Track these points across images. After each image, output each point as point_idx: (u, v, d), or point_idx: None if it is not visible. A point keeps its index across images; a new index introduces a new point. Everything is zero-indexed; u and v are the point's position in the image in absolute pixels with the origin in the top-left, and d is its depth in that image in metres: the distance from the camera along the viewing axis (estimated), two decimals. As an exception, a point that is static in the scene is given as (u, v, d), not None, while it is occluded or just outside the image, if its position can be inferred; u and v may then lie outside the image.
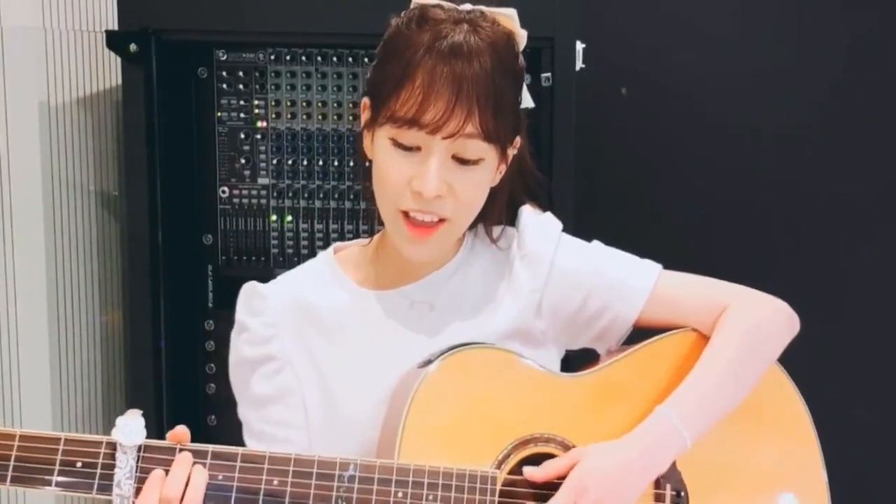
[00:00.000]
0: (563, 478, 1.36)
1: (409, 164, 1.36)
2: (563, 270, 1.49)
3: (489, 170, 1.41)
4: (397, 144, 1.36)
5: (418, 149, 1.36)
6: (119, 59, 2.06)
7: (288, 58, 2.14)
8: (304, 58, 2.14)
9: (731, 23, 2.46)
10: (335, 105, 2.14)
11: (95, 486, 1.25)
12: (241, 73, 2.15)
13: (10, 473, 1.24)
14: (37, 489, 1.25)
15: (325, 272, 1.52)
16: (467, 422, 1.39)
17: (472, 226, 1.50)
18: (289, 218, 2.16)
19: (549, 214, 1.55)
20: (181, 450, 1.28)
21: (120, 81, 2.09)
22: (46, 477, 1.24)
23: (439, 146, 1.34)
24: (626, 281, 1.50)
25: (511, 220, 1.54)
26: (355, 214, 2.16)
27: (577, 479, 1.35)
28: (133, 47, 2.01)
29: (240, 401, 1.49)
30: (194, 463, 1.28)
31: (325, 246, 1.58)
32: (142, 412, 1.29)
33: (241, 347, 1.47)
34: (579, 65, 2.00)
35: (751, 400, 1.47)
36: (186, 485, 1.26)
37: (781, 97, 2.44)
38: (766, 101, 2.45)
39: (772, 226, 2.47)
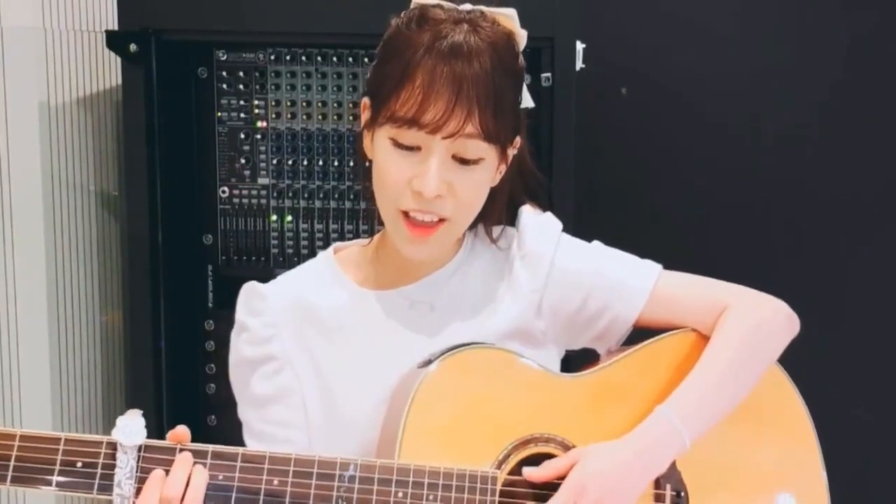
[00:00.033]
0: (562, 478, 1.36)
1: (409, 164, 1.36)
2: (563, 270, 1.49)
3: (489, 170, 1.41)
4: (397, 144, 1.36)
5: (418, 149, 1.36)
6: (119, 59, 2.06)
7: (288, 58, 2.14)
8: (304, 58, 2.14)
9: (731, 23, 2.46)
10: (335, 105, 2.14)
11: (96, 486, 1.25)
12: (241, 73, 2.15)
13: (10, 473, 1.24)
14: (37, 489, 1.25)
15: (325, 272, 1.52)
16: (467, 422, 1.39)
17: (472, 226, 1.50)
18: (289, 218, 2.16)
19: (549, 214, 1.55)
20: (181, 450, 1.28)
21: (120, 81, 2.09)
22: (47, 477, 1.24)
23: (439, 146, 1.34)
24: (626, 281, 1.50)
25: (511, 220, 1.54)
26: (355, 214, 2.16)
27: (577, 479, 1.35)
28: (133, 47, 2.01)
29: (240, 401, 1.49)
30: (195, 463, 1.28)
31: (325, 246, 1.58)
32: (142, 412, 1.29)
33: (241, 347, 1.47)
34: (579, 65, 2.00)
35: (751, 400, 1.47)
36: (187, 485, 1.26)
37: (781, 97, 2.44)
38: (766, 101, 2.45)
39: (772, 226, 2.47)
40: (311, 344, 1.47)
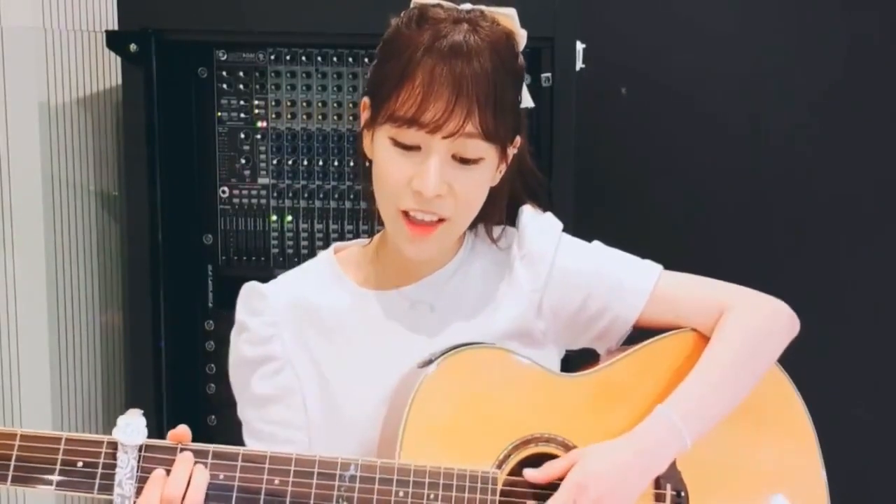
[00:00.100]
0: (563, 479, 1.36)
1: (409, 164, 1.36)
2: (564, 270, 1.49)
3: (489, 169, 1.41)
4: (397, 144, 1.36)
5: (418, 148, 1.36)
6: (119, 59, 2.06)
7: (288, 58, 2.14)
8: (304, 58, 2.14)
9: (731, 23, 2.46)
10: (335, 105, 2.14)
11: (96, 486, 1.25)
12: (241, 73, 2.15)
13: (10, 473, 1.24)
14: (38, 489, 1.25)
15: (325, 272, 1.52)
16: (468, 422, 1.39)
17: (473, 225, 1.50)
18: (289, 218, 2.16)
19: (549, 214, 1.55)
20: (182, 449, 1.28)
21: (120, 81, 2.09)
22: (47, 477, 1.25)
23: (439, 145, 1.34)
24: (626, 281, 1.50)
25: (511, 220, 1.54)
26: (355, 214, 2.16)
27: (577, 479, 1.35)
28: (133, 47, 2.01)
29: (240, 401, 1.49)
30: (196, 463, 1.28)
31: (325, 246, 1.58)
32: (142, 412, 1.29)
33: (241, 347, 1.47)
34: (579, 65, 2.00)
35: (751, 400, 1.47)
36: (188, 485, 1.26)
37: (781, 97, 2.45)
38: (766, 101, 2.45)
39: (772, 226, 2.47)
40: (311, 344, 1.46)
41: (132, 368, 2.13)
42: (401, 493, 1.31)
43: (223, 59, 2.15)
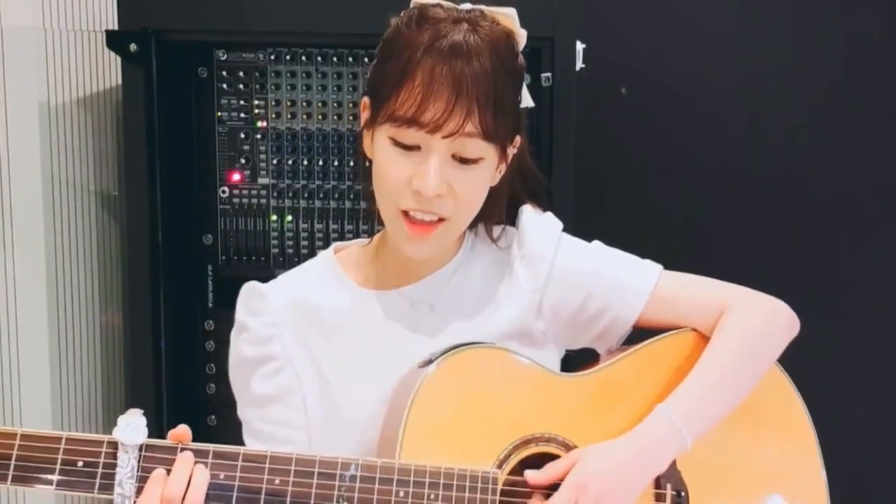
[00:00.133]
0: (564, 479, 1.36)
1: (409, 164, 1.36)
2: (564, 270, 1.49)
3: (489, 169, 1.41)
4: (397, 144, 1.36)
5: (418, 148, 1.36)
6: (119, 59, 2.06)
7: (288, 58, 2.14)
8: (304, 58, 2.14)
9: (731, 23, 2.46)
10: (335, 105, 2.14)
11: (97, 486, 1.25)
12: (241, 73, 2.15)
13: (11, 473, 1.24)
14: (38, 488, 1.25)
15: (325, 272, 1.52)
16: (468, 421, 1.39)
17: (473, 225, 1.50)
18: (289, 218, 2.16)
19: (549, 214, 1.55)
20: (183, 449, 1.28)
21: (120, 81, 2.09)
22: (48, 476, 1.24)
23: (439, 145, 1.34)
24: (626, 281, 1.50)
25: (511, 219, 1.54)
26: (355, 214, 2.16)
27: (578, 479, 1.35)
28: (133, 47, 2.01)
29: (240, 401, 1.49)
30: (196, 462, 1.28)
31: (325, 246, 1.58)
32: (142, 411, 1.29)
33: (241, 347, 1.47)
34: (579, 65, 2.00)
35: (751, 400, 1.47)
36: (188, 484, 1.26)
37: (781, 97, 2.45)
38: (766, 101, 2.45)
39: (772, 226, 2.48)
40: (311, 344, 1.46)
41: (132, 368, 2.13)
42: (401, 493, 1.31)
43: (223, 59, 2.15)
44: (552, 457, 1.39)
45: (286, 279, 1.52)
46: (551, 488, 1.36)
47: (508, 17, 1.41)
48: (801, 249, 2.47)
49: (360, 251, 1.54)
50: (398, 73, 1.34)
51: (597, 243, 1.54)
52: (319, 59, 2.14)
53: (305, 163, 2.15)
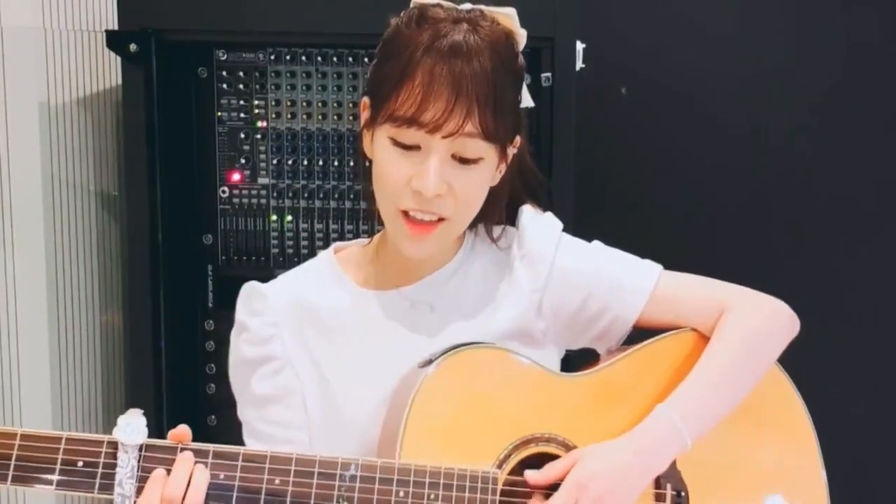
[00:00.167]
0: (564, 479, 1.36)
1: (408, 164, 1.36)
2: (564, 270, 1.49)
3: (489, 169, 1.41)
4: (397, 143, 1.36)
5: (418, 148, 1.36)
6: (119, 59, 2.06)
7: (288, 58, 2.14)
8: (304, 58, 2.14)
9: (731, 23, 2.46)
10: (335, 105, 2.14)
11: (97, 486, 1.25)
12: (241, 73, 2.15)
13: (11, 473, 1.24)
14: (38, 488, 1.25)
15: (325, 272, 1.52)
16: (468, 421, 1.39)
17: (473, 225, 1.50)
18: (289, 218, 2.16)
19: (549, 214, 1.55)
20: (183, 449, 1.28)
21: (120, 81, 2.09)
22: (48, 476, 1.24)
23: (439, 145, 1.34)
24: (626, 281, 1.50)
25: (511, 219, 1.54)
26: (355, 214, 2.16)
27: (578, 479, 1.34)
28: (133, 47, 2.01)
29: (240, 401, 1.49)
30: (196, 462, 1.28)
31: (325, 246, 1.58)
32: (142, 411, 1.29)
33: (241, 347, 1.47)
34: (579, 65, 2.00)
35: (751, 400, 1.47)
36: (188, 484, 1.26)
37: (781, 97, 2.45)
38: (766, 101, 2.45)
39: (772, 226, 2.47)
40: (311, 344, 1.46)
41: (132, 368, 2.13)
42: (401, 493, 1.31)
43: (223, 59, 2.15)
44: (552, 457, 1.39)
45: (286, 279, 1.52)
46: (551, 488, 1.36)
47: (508, 17, 1.41)
48: (801, 249, 2.47)
49: (360, 251, 1.54)
50: (398, 72, 1.34)
51: (597, 243, 1.54)
52: (319, 59, 2.14)
53: (305, 163, 2.15)
